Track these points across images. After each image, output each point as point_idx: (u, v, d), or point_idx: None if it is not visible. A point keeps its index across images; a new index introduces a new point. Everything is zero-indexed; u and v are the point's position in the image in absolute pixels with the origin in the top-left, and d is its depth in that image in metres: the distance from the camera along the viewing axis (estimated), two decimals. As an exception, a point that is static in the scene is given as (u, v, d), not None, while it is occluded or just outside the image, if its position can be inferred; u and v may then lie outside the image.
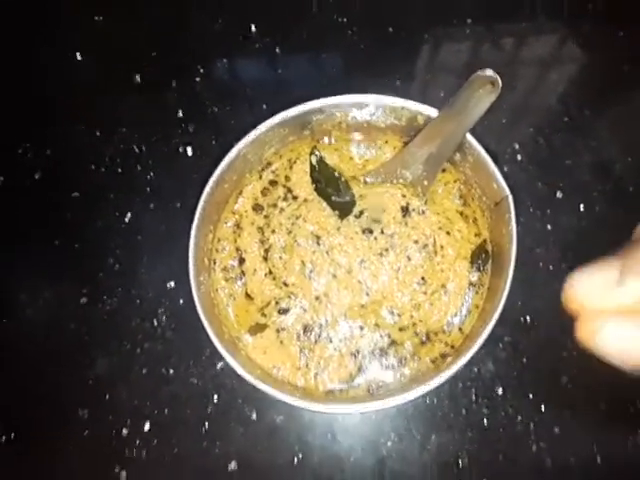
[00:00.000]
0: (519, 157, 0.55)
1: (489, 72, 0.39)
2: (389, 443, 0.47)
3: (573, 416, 0.47)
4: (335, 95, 0.45)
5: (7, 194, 0.55)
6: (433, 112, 0.44)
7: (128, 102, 0.58)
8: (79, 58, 0.60)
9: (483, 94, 0.41)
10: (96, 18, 0.62)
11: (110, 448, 0.46)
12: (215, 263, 0.46)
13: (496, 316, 0.40)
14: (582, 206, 0.53)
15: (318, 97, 0.45)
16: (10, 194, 0.55)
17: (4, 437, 0.47)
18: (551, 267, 0.51)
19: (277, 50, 0.60)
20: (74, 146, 0.57)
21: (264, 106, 0.57)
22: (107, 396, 0.48)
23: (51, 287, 0.52)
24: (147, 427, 0.47)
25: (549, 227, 0.53)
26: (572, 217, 0.53)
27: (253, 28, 0.61)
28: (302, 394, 0.42)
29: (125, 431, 0.47)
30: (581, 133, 0.56)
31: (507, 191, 0.42)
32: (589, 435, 0.46)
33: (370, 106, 0.45)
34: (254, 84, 0.60)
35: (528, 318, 0.49)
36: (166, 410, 0.47)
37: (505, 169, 0.53)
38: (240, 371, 0.38)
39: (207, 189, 0.42)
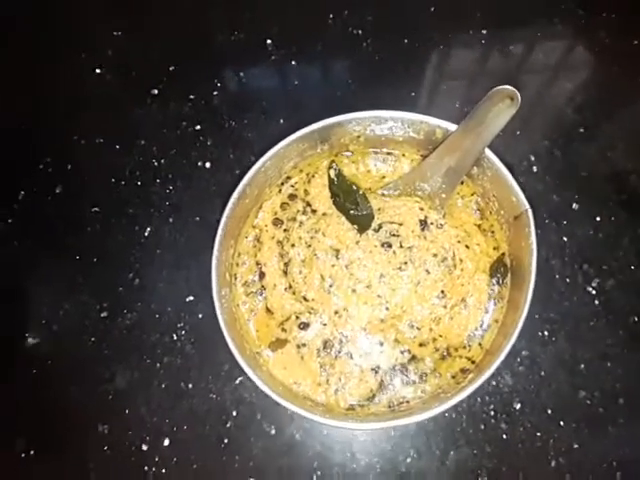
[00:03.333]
0: (535, 168, 0.55)
1: (508, 87, 0.39)
2: (408, 459, 0.46)
3: (592, 431, 0.46)
4: (349, 107, 0.45)
5: (29, 208, 0.56)
6: (451, 126, 0.44)
7: (146, 115, 0.59)
8: (98, 72, 0.61)
9: (502, 108, 0.41)
10: (114, 34, 0.63)
11: (130, 464, 0.46)
12: (236, 278, 0.46)
13: (517, 331, 0.39)
14: (598, 217, 0.53)
15: (334, 109, 0.45)
16: (31, 208, 0.56)
17: (25, 452, 0.47)
18: (568, 279, 0.51)
19: (293, 62, 0.61)
20: (94, 160, 0.57)
21: (280, 119, 0.57)
22: (127, 411, 0.48)
23: (72, 301, 0.52)
24: (166, 442, 0.47)
25: (565, 239, 0.52)
26: (588, 228, 0.53)
27: (269, 41, 0.61)
28: (323, 410, 0.41)
29: (145, 447, 0.47)
30: (597, 143, 0.56)
31: (526, 205, 0.42)
32: (608, 451, 0.46)
33: (388, 121, 0.45)
34: (270, 96, 0.60)
35: (546, 332, 0.49)
36: (185, 425, 0.47)
37: (520, 180, 0.52)
38: (262, 387, 0.38)
39: (229, 204, 0.42)
